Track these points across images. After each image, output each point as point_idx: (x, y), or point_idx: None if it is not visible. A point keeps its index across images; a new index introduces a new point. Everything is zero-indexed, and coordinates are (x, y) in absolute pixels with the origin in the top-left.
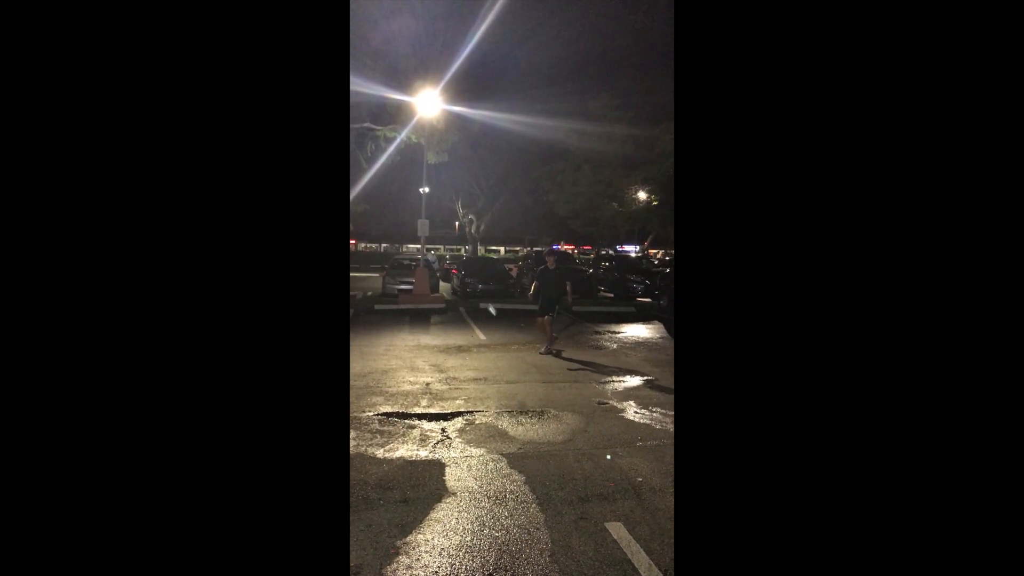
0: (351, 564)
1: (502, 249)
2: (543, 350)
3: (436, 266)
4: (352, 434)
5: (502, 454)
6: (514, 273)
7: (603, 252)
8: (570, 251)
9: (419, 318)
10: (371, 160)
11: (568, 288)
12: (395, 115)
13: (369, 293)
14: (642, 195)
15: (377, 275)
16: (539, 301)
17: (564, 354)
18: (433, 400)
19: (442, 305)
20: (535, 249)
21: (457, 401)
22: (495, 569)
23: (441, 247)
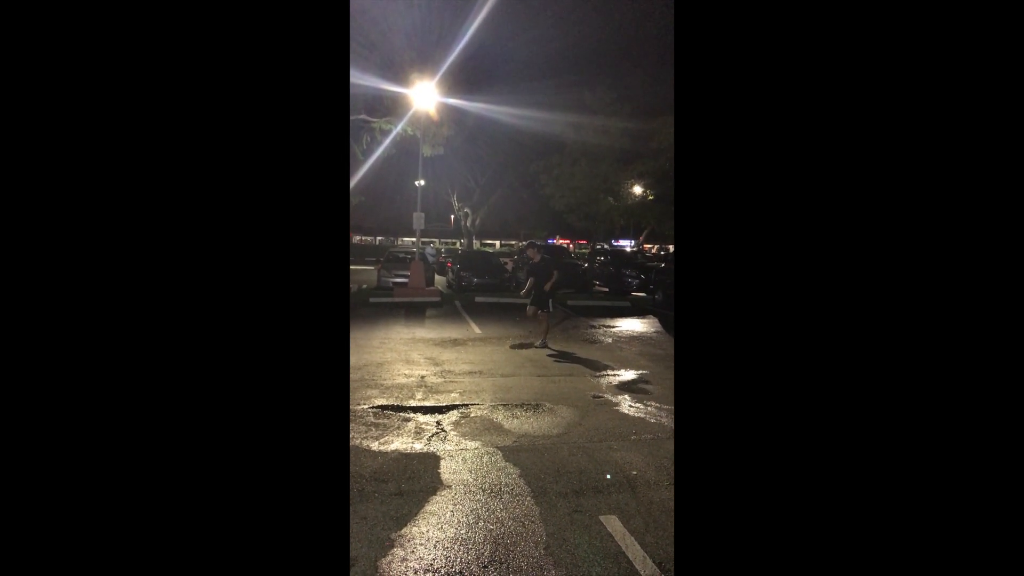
0: None
1: (497, 243)
2: (539, 343)
3: (434, 259)
4: None
5: (497, 447)
6: (509, 267)
7: (598, 247)
8: (565, 245)
9: (414, 311)
10: (367, 152)
11: (555, 278)
12: (391, 107)
13: (364, 286)
14: (638, 189)
15: (372, 268)
16: (533, 295)
17: (558, 348)
18: (428, 393)
19: (437, 298)
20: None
21: (452, 394)
22: (490, 562)
23: (436, 240)
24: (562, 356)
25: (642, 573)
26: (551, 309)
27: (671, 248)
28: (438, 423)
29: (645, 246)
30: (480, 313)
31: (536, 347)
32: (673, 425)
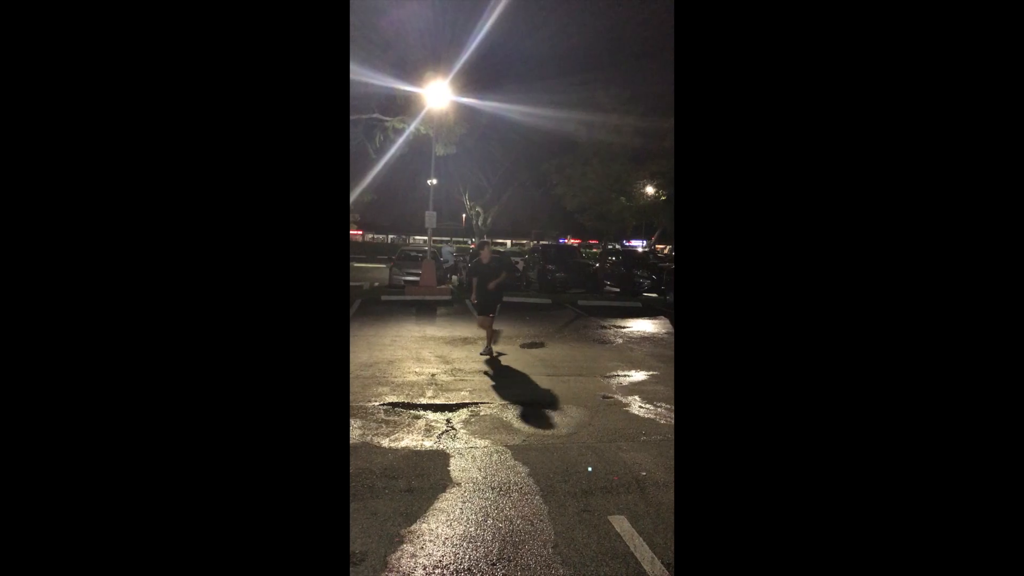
0: (357, 551)
1: (508, 242)
2: (483, 351)
3: (451, 259)
4: (358, 424)
5: (506, 446)
6: (520, 266)
7: (610, 247)
8: (575, 245)
9: (425, 309)
10: (380, 151)
11: (502, 277)
12: (404, 106)
13: (376, 284)
14: (650, 189)
15: (384, 266)
16: (477, 299)
17: (568, 347)
18: (438, 391)
19: (448, 297)
20: (541, 242)
21: (462, 392)
22: (498, 559)
23: (448, 239)
24: (567, 357)
25: (650, 574)
26: (495, 314)
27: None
28: (448, 421)
29: (657, 247)
30: None
31: (481, 354)
32: None
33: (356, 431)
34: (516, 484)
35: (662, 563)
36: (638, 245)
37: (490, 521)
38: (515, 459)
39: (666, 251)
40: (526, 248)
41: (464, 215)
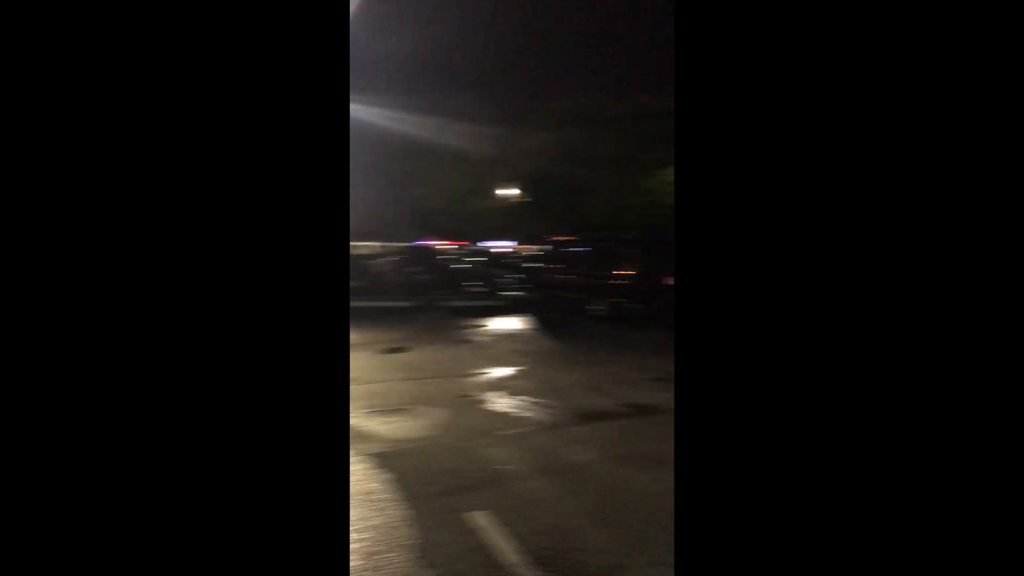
0: None
1: (374, 244)
2: None
3: (386, 268)
4: None
5: (369, 455)
6: (385, 269)
7: (473, 247)
8: (435, 245)
9: None
10: None
11: None
12: None
13: None
14: (508, 192)
15: None
16: None
17: (430, 350)
18: None
19: None
20: (410, 244)
21: None
22: (363, 571)
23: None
24: (430, 360)
25: (511, 563)
26: None
27: (547, 247)
28: None
29: (522, 247)
30: (354, 318)
31: None
32: (542, 417)
33: None
34: (379, 492)
35: (525, 550)
36: (507, 245)
37: (354, 534)
38: (379, 467)
39: (535, 251)
40: (381, 250)
41: None
